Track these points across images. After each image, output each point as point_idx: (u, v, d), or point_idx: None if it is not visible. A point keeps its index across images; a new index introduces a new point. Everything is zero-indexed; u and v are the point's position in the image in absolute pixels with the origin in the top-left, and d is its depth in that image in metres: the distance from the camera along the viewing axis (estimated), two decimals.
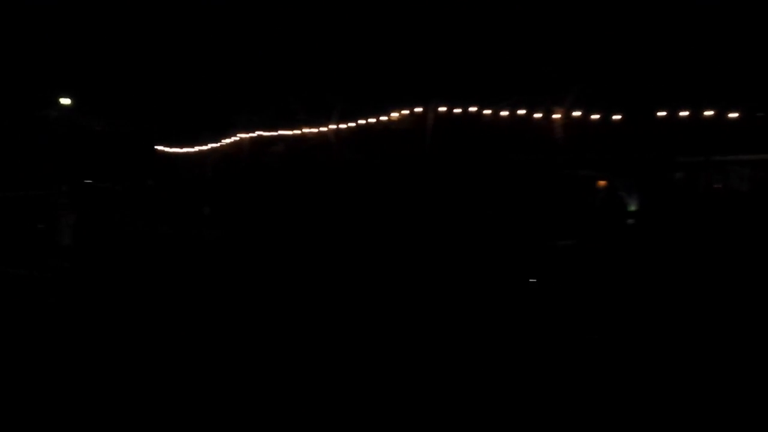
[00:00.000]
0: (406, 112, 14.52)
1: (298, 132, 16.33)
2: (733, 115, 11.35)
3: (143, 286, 10.63)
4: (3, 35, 17.14)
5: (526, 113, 13.45)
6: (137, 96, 18.72)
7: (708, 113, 11.68)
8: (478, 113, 14.00)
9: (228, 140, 18.05)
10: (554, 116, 13.56)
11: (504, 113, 13.51)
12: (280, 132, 16.55)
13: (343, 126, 15.52)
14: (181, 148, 20.08)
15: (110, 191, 15.83)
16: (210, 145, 18.51)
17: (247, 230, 14.31)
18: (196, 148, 19.09)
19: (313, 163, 15.96)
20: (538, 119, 13.33)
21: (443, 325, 8.26)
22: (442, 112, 14.00)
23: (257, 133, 17.12)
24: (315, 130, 16.13)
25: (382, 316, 8.57)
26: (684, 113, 11.98)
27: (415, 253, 11.64)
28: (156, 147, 20.01)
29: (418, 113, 14.12)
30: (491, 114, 13.61)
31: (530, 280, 10.86)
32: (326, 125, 15.90)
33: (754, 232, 8.75)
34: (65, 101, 17.50)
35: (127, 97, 18.64)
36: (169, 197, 17.22)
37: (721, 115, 11.77)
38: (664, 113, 11.93)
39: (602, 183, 11.33)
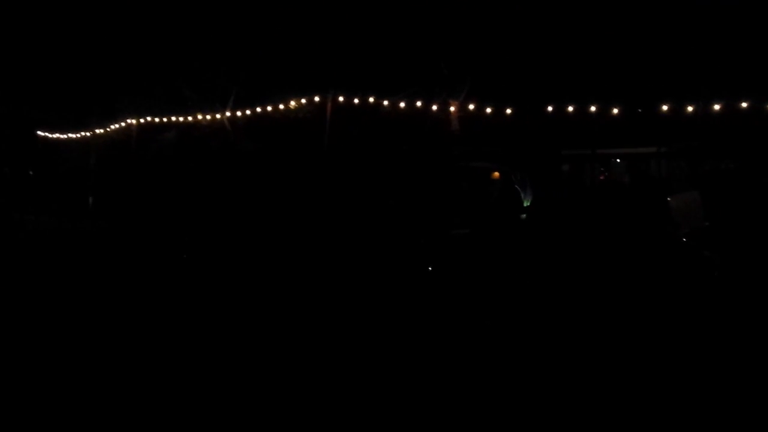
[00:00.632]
0: (304, 100, 14.25)
1: (190, 118, 15.71)
2: (616, 110, 11.85)
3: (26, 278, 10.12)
4: None
5: (422, 105, 13.47)
6: (15, 75, 17.54)
7: (593, 108, 12.09)
8: (377, 103, 13.90)
9: (115, 126, 17.18)
10: (450, 108, 13.65)
11: (402, 104, 13.47)
12: (172, 118, 15.87)
13: (238, 113, 15.07)
14: (65, 133, 18.98)
15: None
16: (96, 131, 17.57)
17: (134, 222, 13.72)
18: (81, 134, 18.08)
19: (206, 151, 15.43)
20: (434, 111, 13.38)
21: (339, 316, 8.16)
22: (341, 102, 13.82)
23: (147, 118, 16.37)
24: (209, 116, 15.58)
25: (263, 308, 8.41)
26: (571, 108, 12.34)
27: (309, 242, 11.51)
28: (37, 132, 18.82)
29: (317, 102, 13.88)
30: (389, 105, 13.54)
31: (428, 267, 10.95)
32: (221, 112, 15.40)
33: (635, 218, 9.17)
34: None
35: (4, 76, 17.43)
36: (51, 187, 16.26)
37: (604, 110, 12.23)
38: (552, 108, 12.26)
39: (496, 175, 11.51)
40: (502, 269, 9.66)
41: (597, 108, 12.05)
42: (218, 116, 15.83)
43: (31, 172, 16.99)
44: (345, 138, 14.19)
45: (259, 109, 15.55)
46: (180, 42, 17.10)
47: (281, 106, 15.23)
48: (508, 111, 12.88)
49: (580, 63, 14.47)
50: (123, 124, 16.89)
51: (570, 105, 12.53)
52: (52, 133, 19.12)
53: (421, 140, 14.10)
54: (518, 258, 9.42)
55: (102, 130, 17.44)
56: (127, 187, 15.76)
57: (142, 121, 16.41)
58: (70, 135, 18.59)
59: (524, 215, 10.58)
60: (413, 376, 6.08)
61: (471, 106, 13.42)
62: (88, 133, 17.88)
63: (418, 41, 15.81)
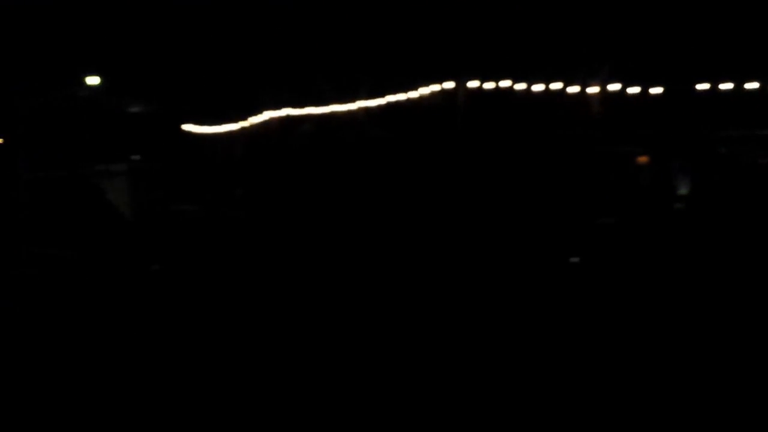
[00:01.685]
0: (435, 87, 13.73)
1: (326, 110, 15.56)
2: None
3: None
4: (29, 14, 16.50)
5: (561, 87, 12.61)
6: (163, 73, 18.00)
7: (751, 85, 10.80)
8: (511, 88, 13.18)
9: (256, 119, 17.34)
10: (591, 90, 12.73)
11: (538, 88, 12.67)
12: (308, 110, 15.78)
13: (371, 103, 14.76)
14: (209, 127, 19.40)
15: (145, 172, 15.34)
16: (239, 124, 17.82)
17: (278, 212, 13.70)
18: (225, 128, 18.40)
19: (341, 142, 15.25)
20: (573, 94, 12.49)
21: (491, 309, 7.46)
22: (473, 88, 13.19)
23: (285, 111, 16.37)
24: (343, 107, 15.37)
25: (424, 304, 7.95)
26: (726, 86, 11.09)
27: (451, 236, 10.95)
28: (184, 127, 19.35)
29: (448, 89, 13.32)
30: (525, 89, 12.78)
31: (572, 259, 10.19)
32: (354, 102, 15.13)
33: None
34: (92, 80, 16.86)
35: (153, 75, 17.94)
36: (200, 178, 16.64)
37: (765, 87, 10.90)
38: (703, 86, 11.06)
39: (644, 159, 10.53)
40: (653, 262, 8.78)
41: (759, 84, 10.78)
42: (352, 107, 15.59)
43: (179, 165, 17.49)
44: (479, 124, 13.59)
45: (391, 98, 15.18)
46: (313, 34, 16.99)
47: (413, 94, 14.80)
48: (656, 91, 11.79)
49: (733, 35, 13.05)
50: (263, 117, 17.01)
51: (724, 82, 11.29)
52: (198, 127, 19.61)
53: (560, 125, 13.28)
54: (672, 252, 8.50)
55: (244, 123, 17.67)
56: (269, 177, 15.87)
57: (281, 113, 16.43)
58: (215, 129, 19.00)
59: (680, 204, 9.58)
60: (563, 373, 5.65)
61: (614, 87, 12.43)
62: (232, 127, 18.19)
63: (553, 20, 14.87)
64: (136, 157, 16.12)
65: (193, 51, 18.41)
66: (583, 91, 13.39)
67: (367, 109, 15.71)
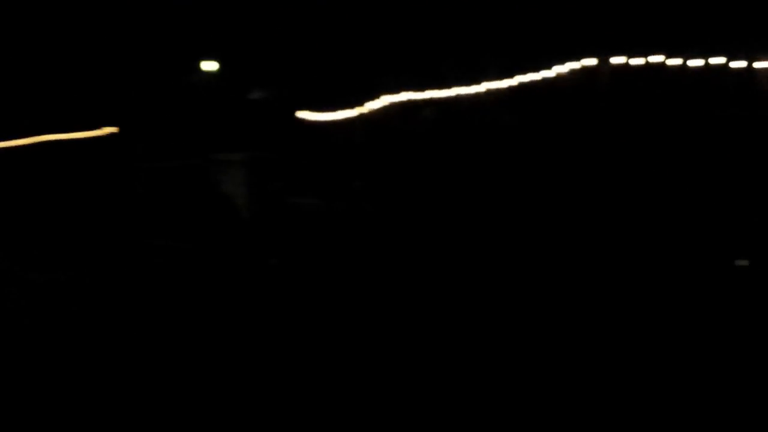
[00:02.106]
0: (574, 65, 12.24)
1: (449, 93, 14.37)
2: None
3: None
4: (145, 3, 16.16)
5: (724, 63, 10.79)
6: (279, 57, 17.28)
7: None
8: (663, 64, 11.48)
9: (374, 105, 16.33)
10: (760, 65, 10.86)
11: (696, 64, 10.90)
12: (430, 94, 14.66)
13: (499, 85, 13.45)
14: (325, 114, 18.55)
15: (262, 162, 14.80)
16: (356, 111, 16.87)
17: (399, 205, 12.78)
18: (341, 115, 17.49)
19: (466, 129, 14.05)
20: (737, 69, 10.66)
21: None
22: (618, 64, 11.61)
23: (405, 96, 15.30)
24: (468, 90, 14.12)
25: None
26: None
27: (595, 232, 9.72)
28: (299, 114, 18.60)
29: (589, 67, 11.80)
30: (679, 65, 11.05)
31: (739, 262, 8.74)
32: (480, 84, 13.85)
33: None
34: (209, 66, 16.33)
35: (269, 59, 17.25)
36: (316, 169, 15.84)
37: None
38: None
39: None
40: None
41: None
42: (478, 89, 14.34)
43: (295, 155, 16.73)
44: (625, 108, 12.01)
45: (523, 79, 13.83)
46: (433, 9, 15.77)
47: (548, 74, 13.38)
48: None
49: None
50: (382, 102, 16.02)
51: None
52: (313, 114, 18.85)
53: (723, 105, 11.50)
54: None
55: (362, 110, 16.72)
56: (389, 167, 14.89)
57: (401, 98, 15.40)
58: (332, 115, 18.16)
59: None
60: None
61: None
62: (349, 113, 17.29)
63: None
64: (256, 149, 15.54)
65: (309, 34, 17.58)
66: (749, 66, 11.53)
67: (495, 92, 14.51)
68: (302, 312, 7.84)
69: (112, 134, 15.57)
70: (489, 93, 14.78)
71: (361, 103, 16.99)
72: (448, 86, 15.40)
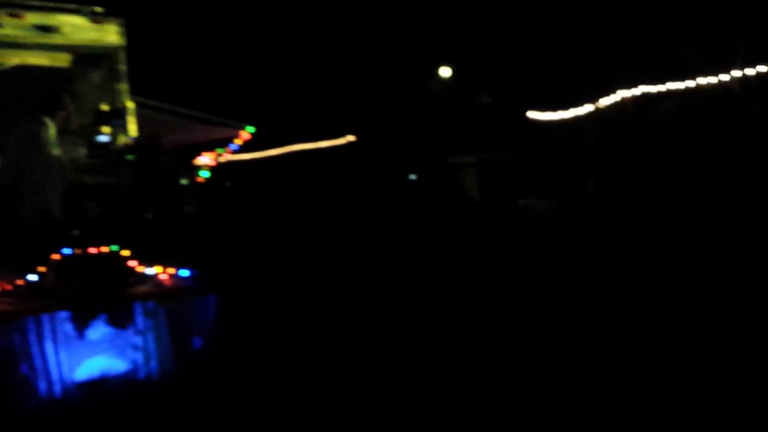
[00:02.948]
0: None
1: (690, 84, 13.27)
2: None
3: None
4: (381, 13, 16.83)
5: None
6: (506, 59, 17.13)
7: None
8: None
9: (607, 100, 15.59)
10: None
11: None
12: (669, 86, 13.64)
13: (750, 72, 12.15)
14: (554, 112, 18.10)
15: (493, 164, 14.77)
16: (587, 108, 16.24)
17: (637, 206, 12.04)
18: (572, 113, 16.95)
19: (711, 122, 12.87)
20: None
21: None
22: None
23: (641, 89, 14.41)
24: (712, 80, 12.94)
25: None
26: None
27: None
28: (528, 114, 18.33)
29: None
30: None
31: None
32: (727, 73, 12.63)
33: None
34: (445, 72, 16.63)
35: (498, 62, 17.16)
36: (547, 170, 15.49)
37: None
38: None
39: None
40: None
41: None
42: (724, 78, 13.08)
43: (525, 156, 16.49)
44: None
45: None
46: None
47: None
48: None
49: None
50: (615, 97, 15.24)
51: None
52: (542, 113, 18.48)
53: None
54: None
55: (593, 107, 16.07)
56: (625, 167, 14.10)
57: (635, 92, 14.51)
58: (561, 114, 17.68)
59: None
60: None
61: None
62: (580, 111, 16.70)
63: None
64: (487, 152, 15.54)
65: (536, 32, 17.24)
66: None
67: (744, 80, 13.12)
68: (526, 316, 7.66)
69: (351, 142, 16.42)
70: (737, 82, 13.43)
71: (592, 100, 16.34)
72: (690, 76, 14.26)
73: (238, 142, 8.11)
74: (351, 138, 16.70)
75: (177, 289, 6.57)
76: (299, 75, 18.62)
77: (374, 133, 16.93)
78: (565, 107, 16.76)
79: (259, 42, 18.01)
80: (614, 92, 15.13)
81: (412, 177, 16.86)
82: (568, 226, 12.58)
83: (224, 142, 8.02)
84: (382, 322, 7.87)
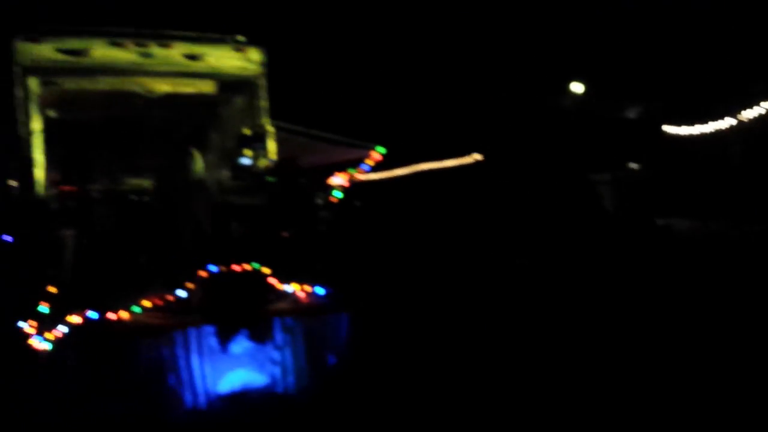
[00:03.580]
0: None
1: None
2: None
3: None
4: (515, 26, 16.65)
5: None
6: (641, 72, 16.47)
7: None
8: None
9: (751, 113, 14.63)
10: None
11: None
12: None
13: None
14: (692, 126, 17.20)
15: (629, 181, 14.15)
16: (728, 121, 15.31)
17: None
18: (712, 126, 16.03)
19: None
20: None
21: None
22: None
23: None
24: None
25: None
26: None
27: None
28: (664, 128, 17.51)
29: None
30: None
31: None
32: None
33: None
34: (576, 87, 16.16)
35: (631, 76, 16.53)
36: (687, 188, 14.65)
37: None
38: None
39: None
40: None
41: None
42: None
43: (663, 173, 15.69)
44: None
45: None
46: None
47: None
48: None
49: None
50: (760, 110, 14.28)
51: None
52: (679, 127, 17.62)
53: None
54: None
55: (735, 120, 15.13)
56: None
57: None
58: (700, 128, 16.78)
59: None
60: None
61: None
62: (720, 125, 15.77)
63: None
64: (633, 165, 14.90)
65: (673, 44, 16.48)
66: None
67: None
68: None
69: (478, 161, 16.29)
70: None
71: (733, 113, 15.42)
72: None
73: (369, 162, 8.21)
74: (477, 156, 16.57)
75: (313, 306, 6.70)
76: (427, 94, 18.71)
77: (503, 151, 16.70)
78: (704, 121, 15.91)
79: (388, 63, 18.27)
80: (757, 104, 14.20)
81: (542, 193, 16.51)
82: (722, 250, 11.72)
83: (356, 163, 8.14)
84: (517, 344, 7.69)
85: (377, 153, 8.13)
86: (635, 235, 13.31)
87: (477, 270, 12.66)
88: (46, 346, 5.89)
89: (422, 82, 18.30)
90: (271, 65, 8.16)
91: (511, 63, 17.25)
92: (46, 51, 7.11)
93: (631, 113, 16.22)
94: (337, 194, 7.73)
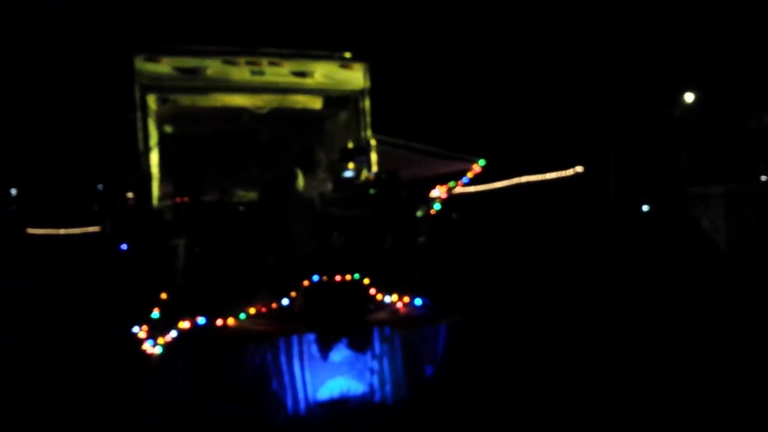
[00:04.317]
0: None
1: None
2: None
3: None
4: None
5: None
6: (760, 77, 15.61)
7: None
8: None
9: None
10: None
11: None
12: None
13: None
14: None
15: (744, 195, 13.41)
16: None
17: None
18: None
19: None
20: None
21: None
22: None
23: None
24: None
25: None
26: None
27: None
28: None
29: None
30: None
31: None
32: None
33: None
34: (688, 97, 15.57)
35: (750, 80, 15.68)
36: None
37: None
38: None
39: None
40: None
41: None
42: None
43: None
44: None
45: None
46: None
47: None
48: None
49: None
50: None
51: None
52: None
53: None
54: None
55: None
56: None
57: None
58: None
59: None
60: None
61: None
62: None
63: None
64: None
65: None
66: None
67: None
68: None
69: (579, 173, 15.90)
70: None
71: None
72: None
73: (469, 175, 8.19)
74: (579, 169, 16.19)
75: (411, 317, 6.75)
76: (528, 105, 18.47)
77: (608, 164, 16.22)
78: None
79: (487, 76, 18.17)
80: None
81: (645, 208, 15.92)
82: None
83: (456, 176, 8.15)
84: (618, 361, 7.45)
85: (478, 165, 8.11)
86: (747, 251, 12.58)
87: (579, 283, 12.31)
88: (158, 351, 6.18)
89: (522, 93, 18.08)
90: (373, 79, 8.31)
91: (619, 75, 16.80)
92: (164, 69, 7.51)
93: (753, 122, 15.34)
94: (437, 206, 7.76)
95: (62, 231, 19.96)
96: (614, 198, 15.71)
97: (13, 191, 25.87)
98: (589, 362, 7.62)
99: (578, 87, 18.08)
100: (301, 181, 7.26)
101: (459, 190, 8.37)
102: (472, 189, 13.56)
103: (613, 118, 15.96)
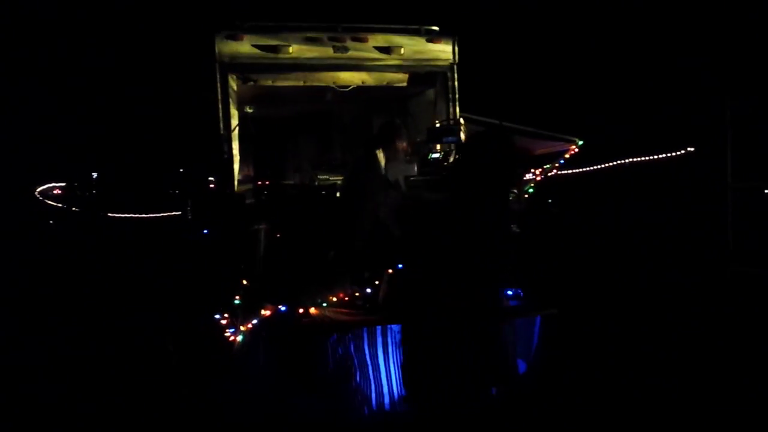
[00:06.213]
0: None
1: None
2: None
3: None
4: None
5: None
6: None
7: None
8: None
9: None
10: None
11: None
12: None
13: None
14: None
15: None
16: None
17: None
18: None
19: None
20: None
21: None
22: None
23: None
24: None
25: None
26: None
27: None
28: None
29: None
30: None
31: None
32: None
33: None
34: None
35: None
36: None
37: None
38: None
39: None
40: None
41: None
42: None
43: None
44: None
45: None
46: None
47: None
48: None
49: None
50: None
51: None
52: None
53: None
54: None
55: None
56: None
57: None
58: None
59: None
60: None
61: None
62: None
63: None
64: None
65: None
66: None
67: None
68: None
69: (689, 153, 15.36)
70: None
71: None
72: None
73: (566, 156, 8.01)
74: (691, 149, 15.61)
75: (504, 308, 6.67)
76: (631, 77, 17.91)
77: (726, 143, 15.54)
78: None
79: (584, 47, 17.71)
80: None
81: None
82: None
83: (552, 157, 7.97)
84: (729, 364, 7.18)
85: (576, 146, 7.91)
86: None
87: (688, 276, 11.91)
88: (239, 338, 6.35)
89: (624, 62, 17.52)
90: (461, 54, 8.22)
91: (738, 37, 15.98)
92: (245, 48, 7.66)
93: None
94: (530, 190, 7.62)
95: (143, 215, 20.76)
96: (731, 182, 15.05)
97: (94, 175, 27.06)
98: (697, 365, 7.38)
99: (691, 53, 17.35)
100: (382, 160, 7.23)
101: (555, 172, 8.18)
102: (569, 172, 13.28)
103: (732, 89, 15.22)
